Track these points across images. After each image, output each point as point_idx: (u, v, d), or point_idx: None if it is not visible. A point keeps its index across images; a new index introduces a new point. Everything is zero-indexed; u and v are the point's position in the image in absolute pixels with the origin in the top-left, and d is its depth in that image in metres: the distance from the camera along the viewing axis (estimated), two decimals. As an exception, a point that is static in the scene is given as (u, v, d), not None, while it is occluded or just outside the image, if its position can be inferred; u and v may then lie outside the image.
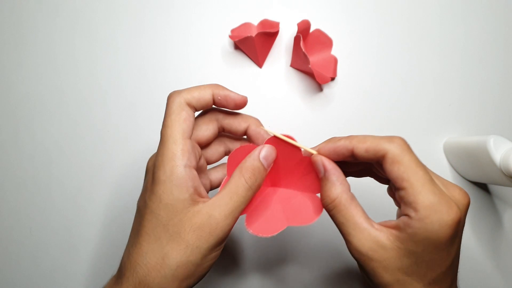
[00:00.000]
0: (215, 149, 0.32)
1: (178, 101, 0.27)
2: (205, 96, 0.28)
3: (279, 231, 0.29)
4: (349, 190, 0.27)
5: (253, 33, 0.45)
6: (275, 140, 0.29)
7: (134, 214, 0.28)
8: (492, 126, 0.47)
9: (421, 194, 0.24)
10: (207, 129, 0.30)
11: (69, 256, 0.44)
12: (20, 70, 0.46)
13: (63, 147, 0.45)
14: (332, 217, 0.27)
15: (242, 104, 0.29)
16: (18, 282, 0.43)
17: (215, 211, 0.25)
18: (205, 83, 0.29)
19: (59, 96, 0.46)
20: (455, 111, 0.47)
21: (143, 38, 0.47)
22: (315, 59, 0.46)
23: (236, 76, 0.46)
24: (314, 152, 0.28)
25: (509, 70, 0.48)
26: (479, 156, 0.39)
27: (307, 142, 0.29)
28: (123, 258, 0.27)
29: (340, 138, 0.28)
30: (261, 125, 0.31)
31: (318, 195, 0.29)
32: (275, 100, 0.46)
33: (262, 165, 0.28)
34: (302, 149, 0.29)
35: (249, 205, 0.29)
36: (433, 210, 0.23)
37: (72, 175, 0.45)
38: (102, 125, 0.45)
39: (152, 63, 0.46)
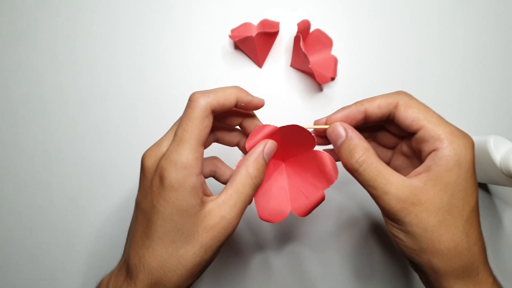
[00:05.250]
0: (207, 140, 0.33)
1: (204, 107, 0.26)
2: (230, 102, 0.27)
3: (286, 217, 0.31)
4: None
5: (253, 33, 0.45)
6: (284, 129, 0.29)
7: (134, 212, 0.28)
8: (492, 126, 0.47)
9: (440, 125, 0.26)
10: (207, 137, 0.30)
11: (69, 256, 0.44)
12: (20, 70, 0.46)
13: (63, 147, 0.45)
14: (362, 173, 0.27)
15: (260, 107, 0.30)
16: (18, 282, 0.43)
17: (226, 211, 0.26)
18: (227, 85, 0.28)
19: (59, 96, 0.46)
20: (455, 111, 0.47)
21: (143, 38, 0.47)
22: (315, 59, 0.46)
23: (236, 76, 0.46)
24: (326, 126, 0.30)
25: (509, 70, 0.48)
26: (479, 156, 0.39)
27: (307, 142, 0.29)
28: (130, 258, 0.26)
29: (348, 106, 0.29)
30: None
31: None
32: (275, 100, 0.46)
33: (265, 161, 0.29)
34: (311, 130, 0.30)
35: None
36: (455, 136, 0.26)
37: (72, 175, 0.45)
38: (102, 125, 0.45)
39: (152, 63, 0.46)
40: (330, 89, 0.47)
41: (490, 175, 0.39)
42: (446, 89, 0.47)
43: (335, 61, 0.46)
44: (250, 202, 0.28)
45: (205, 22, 0.47)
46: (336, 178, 0.29)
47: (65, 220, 0.44)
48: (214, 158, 0.33)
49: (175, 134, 0.26)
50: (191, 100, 0.27)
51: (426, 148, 0.27)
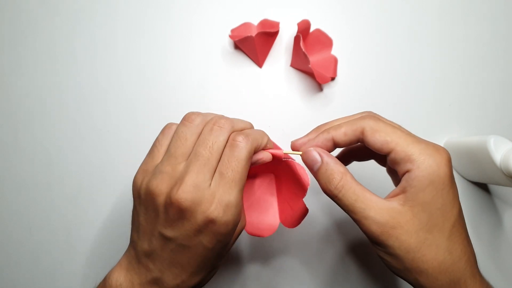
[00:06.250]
0: None
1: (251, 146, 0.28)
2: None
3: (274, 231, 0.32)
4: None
5: (253, 33, 0.45)
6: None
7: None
8: (492, 126, 0.47)
9: (409, 146, 0.26)
10: None
11: (69, 256, 0.44)
12: (20, 70, 0.46)
13: (63, 147, 0.45)
14: (341, 198, 0.27)
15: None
16: (18, 282, 0.43)
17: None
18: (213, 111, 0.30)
19: (59, 96, 0.46)
20: (455, 111, 0.47)
21: (143, 38, 0.47)
22: (315, 59, 0.46)
23: (236, 76, 0.46)
24: (299, 153, 0.30)
25: (509, 70, 0.48)
26: (479, 156, 0.39)
27: (307, 142, 0.30)
28: (167, 280, 0.27)
29: (317, 136, 0.29)
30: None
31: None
32: (275, 100, 0.46)
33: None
34: (284, 152, 0.30)
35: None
36: (426, 155, 0.25)
37: (72, 175, 0.45)
38: (102, 125, 0.45)
39: (152, 63, 0.46)
40: (330, 89, 0.47)
41: (490, 175, 0.39)
42: (446, 89, 0.47)
43: (335, 61, 0.46)
44: None
45: (205, 22, 0.47)
46: (308, 183, 0.30)
47: (65, 220, 0.44)
48: None
49: (221, 174, 0.26)
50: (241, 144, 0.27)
51: (400, 169, 0.26)
